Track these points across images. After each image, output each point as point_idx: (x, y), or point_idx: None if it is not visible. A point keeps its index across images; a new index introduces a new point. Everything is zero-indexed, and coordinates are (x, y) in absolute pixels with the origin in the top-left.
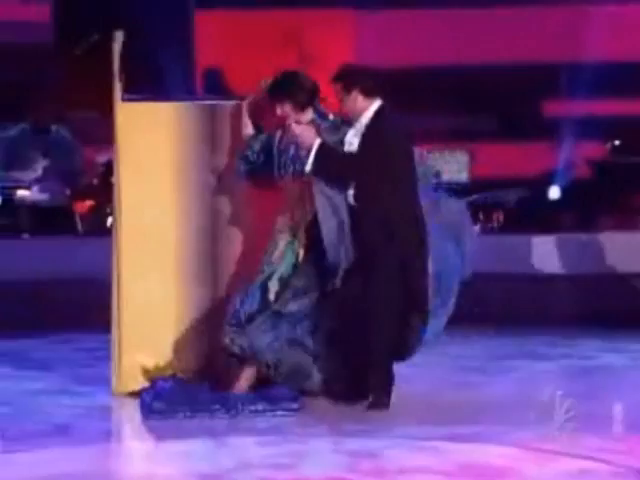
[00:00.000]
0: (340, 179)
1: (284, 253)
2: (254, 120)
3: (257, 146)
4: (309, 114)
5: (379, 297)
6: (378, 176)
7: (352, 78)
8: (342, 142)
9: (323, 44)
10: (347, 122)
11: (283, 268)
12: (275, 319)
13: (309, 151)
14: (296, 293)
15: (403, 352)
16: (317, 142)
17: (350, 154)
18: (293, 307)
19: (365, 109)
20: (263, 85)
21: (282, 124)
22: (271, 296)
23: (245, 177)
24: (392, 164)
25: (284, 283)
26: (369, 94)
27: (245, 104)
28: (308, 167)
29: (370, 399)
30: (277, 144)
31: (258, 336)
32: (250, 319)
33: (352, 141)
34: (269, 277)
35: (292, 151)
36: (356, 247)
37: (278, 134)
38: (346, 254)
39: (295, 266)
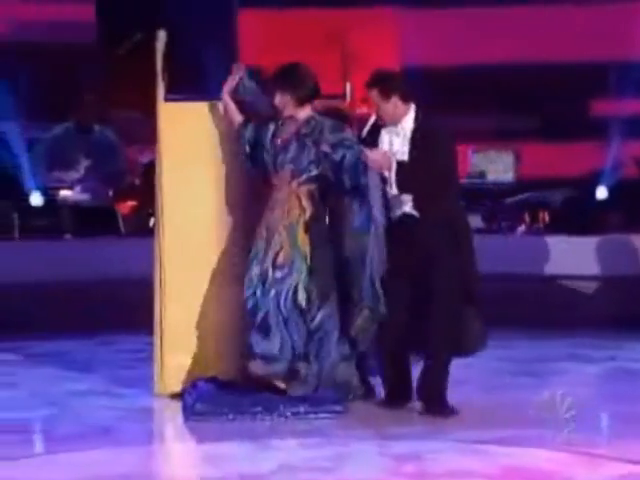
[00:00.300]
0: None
1: (291, 257)
2: (240, 108)
3: (248, 134)
4: (307, 110)
5: (443, 304)
6: (437, 180)
7: (390, 84)
8: (343, 141)
9: (366, 44)
10: (381, 126)
11: (303, 277)
12: (319, 346)
13: (382, 173)
14: (321, 304)
15: (461, 352)
16: (394, 163)
17: (417, 163)
18: (321, 316)
19: (404, 114)
20: (235, 69)
21: (278, 117)
22: (303, 305)
23: (256, 173)
24: (447, 165)
25: (308, 293)
26: (407, 99)
27: (226, 90)
28: (394, 191)
29: (426, 404)
30: (271, 138)
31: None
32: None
33: (403, 150)
34: (295, 290)
35: (291, 153)
36: (411, 254)
37: (271, 127)
38: (377, 268)
39: (310, 271)
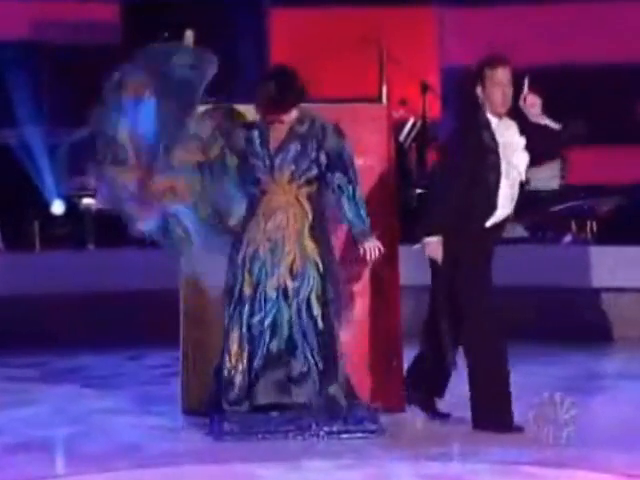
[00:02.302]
0: None
1: (303, 265)
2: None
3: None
4: (295, 112)
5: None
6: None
7: None
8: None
9: (403, 44)
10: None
11: (315, 286)
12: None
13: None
14: (335, 314)
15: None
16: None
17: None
18: (335, 328)
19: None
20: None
21: (270, 121)
22: (318, 318)
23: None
24: None
25: (322, 303)
26: None
27: None
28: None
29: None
30: (260, 142)
31: None
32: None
33: (519, 141)
34: (309, 301)
35: (292, 153)
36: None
37: (255, 132)
38: None
39: (322, 279)
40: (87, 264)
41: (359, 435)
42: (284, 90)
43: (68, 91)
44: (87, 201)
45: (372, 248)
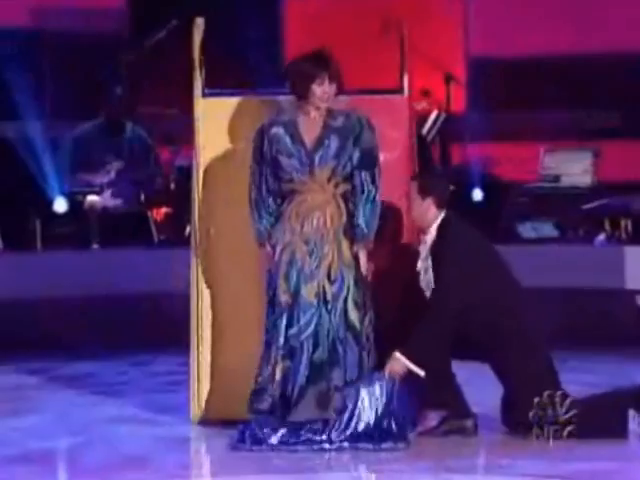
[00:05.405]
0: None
1: (339, 268)
2: None
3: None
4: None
5: None
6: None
7: (428, 184)
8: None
9: (427, 33)
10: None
11: (351, 289)
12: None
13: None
14: (368, 319)
15: None
16: (404, 361)
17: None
18: (370, 333)
19: (433, 221)
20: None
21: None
22: (356, 324)
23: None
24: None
25: (357, 307)
26: (440, 206)
27: None
28: (422, 373)
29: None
30: (292, 140)
31: None
32: None
33: (424, 269)
34: (345, 305)
35: (333, 148)
36: None
37: (281, 129)
38: None
39: (355, 282)
40: (91, 265)
41: (382, 447)
42: (340, 77)
43: (71, 82)
44: (92, 198)
45: (363, 261)
